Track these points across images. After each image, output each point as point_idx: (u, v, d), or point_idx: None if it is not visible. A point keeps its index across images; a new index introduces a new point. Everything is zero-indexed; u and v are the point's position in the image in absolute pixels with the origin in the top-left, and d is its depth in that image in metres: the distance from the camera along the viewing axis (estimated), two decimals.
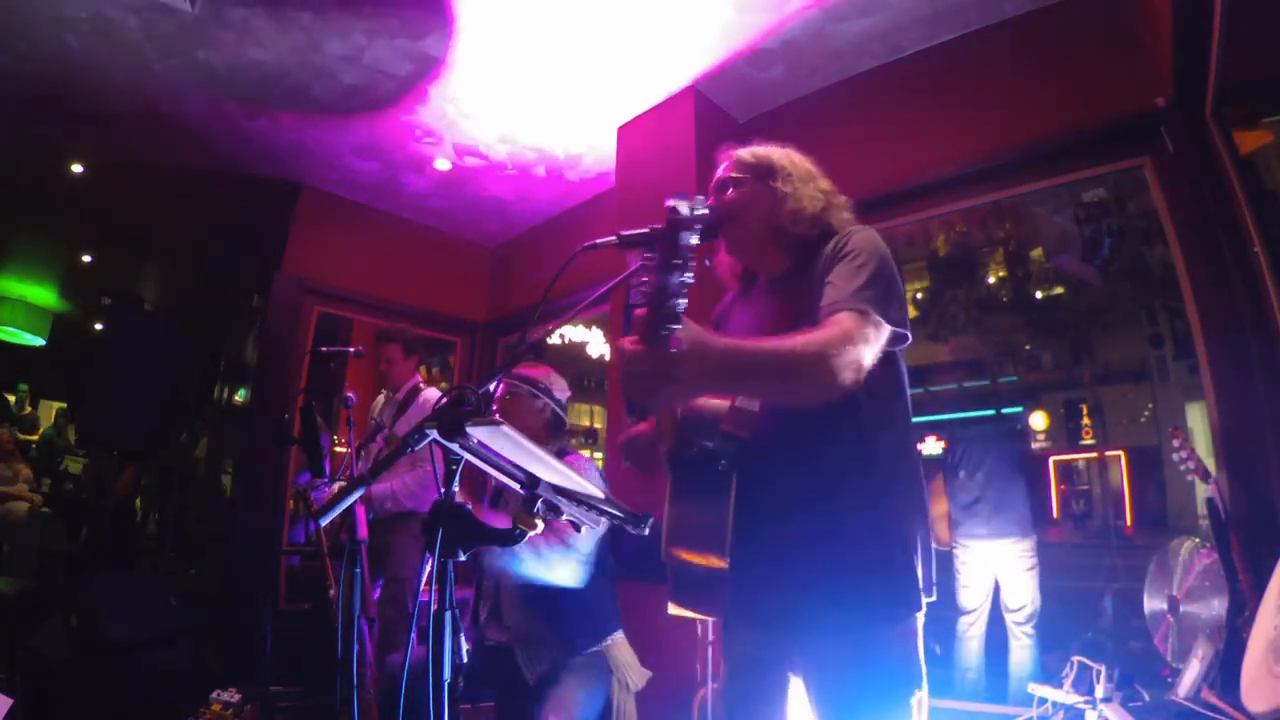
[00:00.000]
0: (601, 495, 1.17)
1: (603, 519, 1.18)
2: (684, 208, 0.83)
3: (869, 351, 1.08)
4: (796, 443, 1.20)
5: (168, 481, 5.92)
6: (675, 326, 0.90)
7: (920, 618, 1.20)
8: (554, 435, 2.23)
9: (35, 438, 7.47)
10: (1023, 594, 3.28)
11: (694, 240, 0.85)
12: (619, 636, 2.08)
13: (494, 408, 2.10)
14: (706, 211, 0.87)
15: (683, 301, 0.88)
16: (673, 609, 1.23)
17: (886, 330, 1.13)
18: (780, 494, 1.20)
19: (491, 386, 2.14)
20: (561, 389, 2.26)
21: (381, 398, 3.33)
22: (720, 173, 1.41)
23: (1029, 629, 3.25)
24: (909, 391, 1.31)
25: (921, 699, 1.16)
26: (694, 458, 1.18)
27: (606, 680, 2.00)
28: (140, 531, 6.09)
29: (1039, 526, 3.40)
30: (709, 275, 1.50)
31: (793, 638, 1.22)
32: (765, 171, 1.36)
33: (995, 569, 3.36)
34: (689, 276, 0.87)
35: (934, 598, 1.22)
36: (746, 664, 1.30)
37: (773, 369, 1.03)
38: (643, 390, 0.95)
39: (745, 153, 1.40)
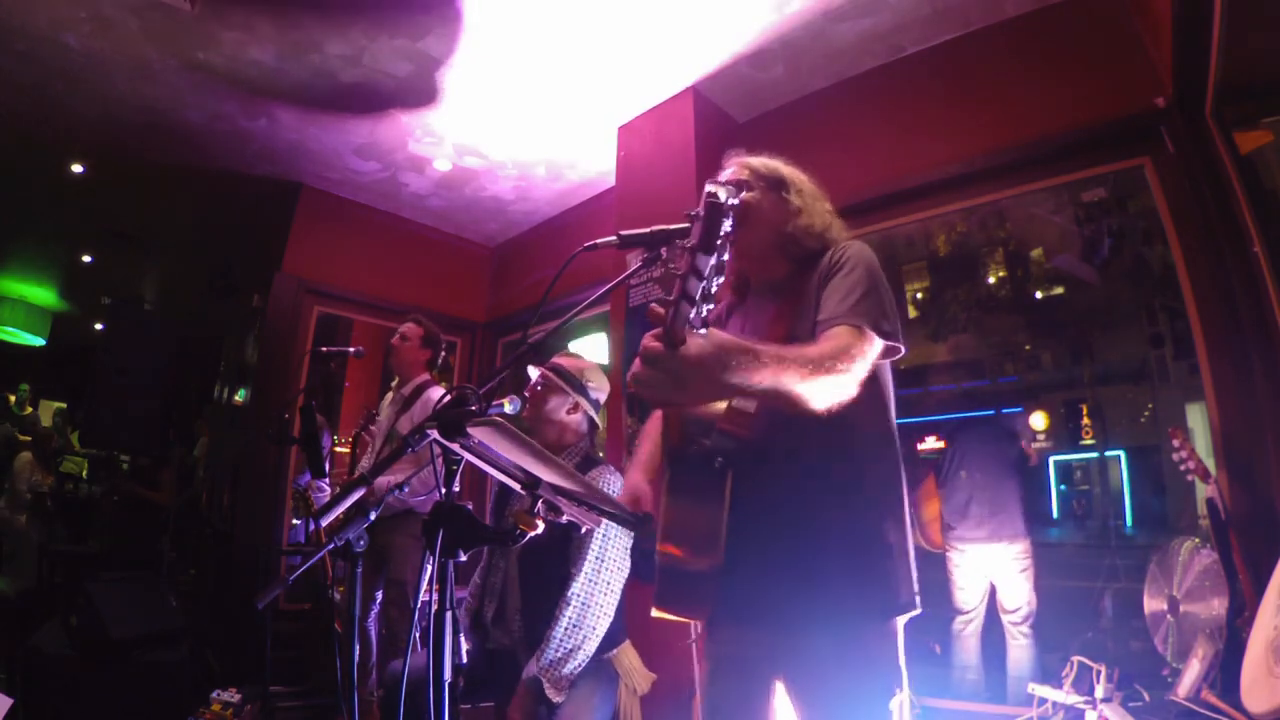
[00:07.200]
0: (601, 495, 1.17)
1: (603, 519, 1.19)
2: (723, 194, 0.84)
3: (865, 364, 1.10)
4: (789, 444, 1.21)
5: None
6: (708, 307, 0.89)
7: (902, 621, 1.22)
8: (584, 436, 2.11)
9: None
10: (1018, 596, 3.29)
11: (728, 227, 0.85)
12: (626, 643, 2.06)
13: (525, 395, 2.05)
14: (737, 202, 0.88)
15: (715, 284, 0.88)
16: (656, 612, 1.23)
17: (880, 344, 1.15)
18: (771, 493, 1.21)
19: (532, 375, 2.10)
20: (599, 387, 2.11)
21: (390, 395, 3.32)
22: (730, 175, 1.41)
23: (1025, 629, 3.25)
24: (893, 401, 1.33)
25: (902, 702, 1.18)
26: (691, 456, 1.19)
27: (615, 685, 1.99)
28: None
29: (1034, 528, 3.40)
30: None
31: (778, 636, 1.22)
32: (778, 182, 1.38)
33: (990, 572, 3.36)
34: (724, 259, 0.87)
35: (919, 610, 1.23)
36: (730, 664, 1.30)
37: (788, 377, 1.02)
38: (654, 393, 0.95)
39: (757, 161, 1.41)
